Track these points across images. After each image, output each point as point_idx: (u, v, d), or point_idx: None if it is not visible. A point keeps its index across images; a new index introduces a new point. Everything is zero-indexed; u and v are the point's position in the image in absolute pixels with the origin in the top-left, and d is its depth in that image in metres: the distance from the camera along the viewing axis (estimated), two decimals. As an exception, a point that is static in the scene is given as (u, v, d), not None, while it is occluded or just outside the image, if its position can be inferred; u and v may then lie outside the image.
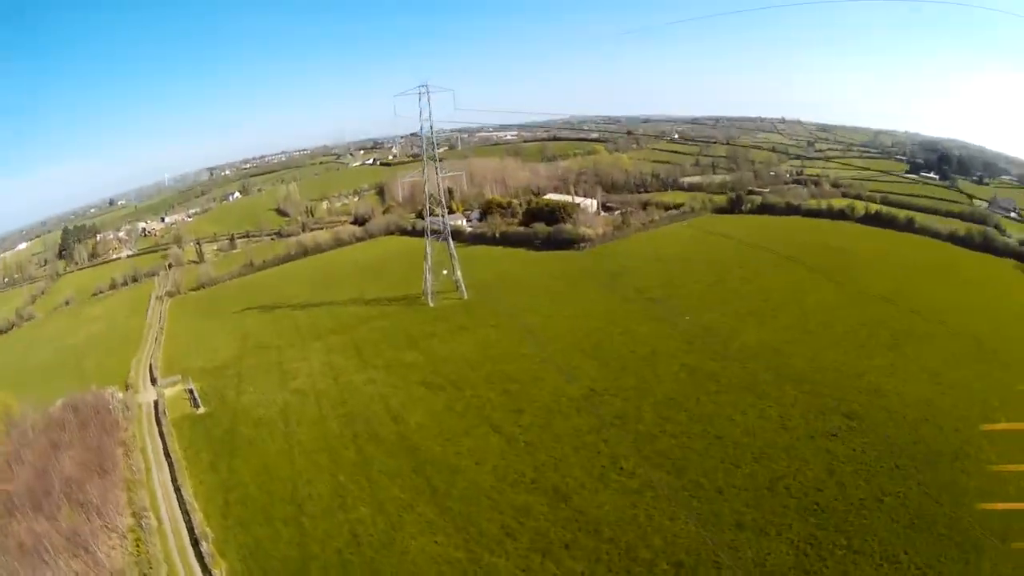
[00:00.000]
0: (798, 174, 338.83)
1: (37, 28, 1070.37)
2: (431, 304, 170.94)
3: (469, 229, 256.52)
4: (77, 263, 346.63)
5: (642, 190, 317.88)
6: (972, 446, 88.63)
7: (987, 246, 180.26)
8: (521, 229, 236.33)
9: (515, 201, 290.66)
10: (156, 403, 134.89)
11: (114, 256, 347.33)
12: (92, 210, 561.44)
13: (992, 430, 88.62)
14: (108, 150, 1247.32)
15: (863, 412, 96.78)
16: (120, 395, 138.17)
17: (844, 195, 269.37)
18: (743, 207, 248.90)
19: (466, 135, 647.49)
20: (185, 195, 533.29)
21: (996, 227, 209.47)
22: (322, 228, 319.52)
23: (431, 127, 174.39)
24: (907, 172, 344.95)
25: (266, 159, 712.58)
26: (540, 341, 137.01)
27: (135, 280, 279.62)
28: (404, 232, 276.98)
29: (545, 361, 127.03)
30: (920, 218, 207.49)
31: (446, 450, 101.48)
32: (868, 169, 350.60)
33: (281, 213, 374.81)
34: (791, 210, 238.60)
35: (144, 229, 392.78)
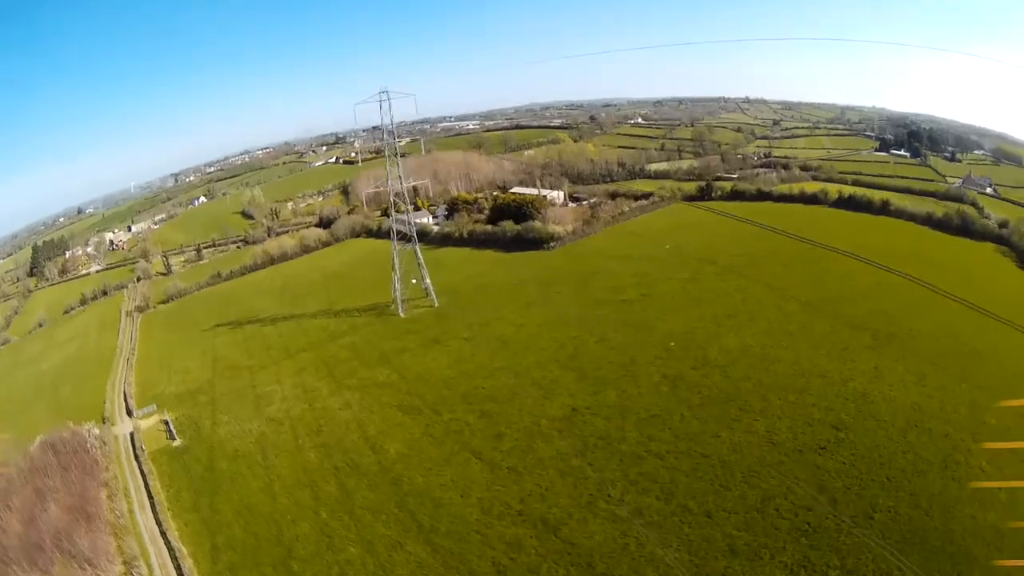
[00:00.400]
0: (766, 156, 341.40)
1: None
2: (401, 314, 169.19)
3: (436, 228, 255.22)
4: (48, 279, 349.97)
5: (608, 179, 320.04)
6: (961, 452, 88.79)
7: (965, 228, 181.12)
8: (489, 228, 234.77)
9: (481, 197, 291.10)
10: (132, 436, 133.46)
11: (83, 271, 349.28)
12: (61, 219, 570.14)
13: (993, 448, 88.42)
14: (75, 158, 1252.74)
15: (851, 422, 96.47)
16: (96, 431, 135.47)
17: (815, 179, 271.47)
18: (713, 195, 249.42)
19: (428, 125, 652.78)
20: (151, 201, 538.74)
21: (973, 205, 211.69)
22: (288, 231, 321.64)
23: (394, 136, 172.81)
24: (876, 149, 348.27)
25: (229, 160, 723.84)
26: (515, 353, 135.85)
27: (105, 294, 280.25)
28: (370, 233, 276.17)
29: (521, 375, 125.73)
30: (895, 200, 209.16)
31: (428, 481, 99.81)
32: (837, 148, 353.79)
33: (246, 216, 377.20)
34: (762, 196, 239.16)
35: (112, 242, 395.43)
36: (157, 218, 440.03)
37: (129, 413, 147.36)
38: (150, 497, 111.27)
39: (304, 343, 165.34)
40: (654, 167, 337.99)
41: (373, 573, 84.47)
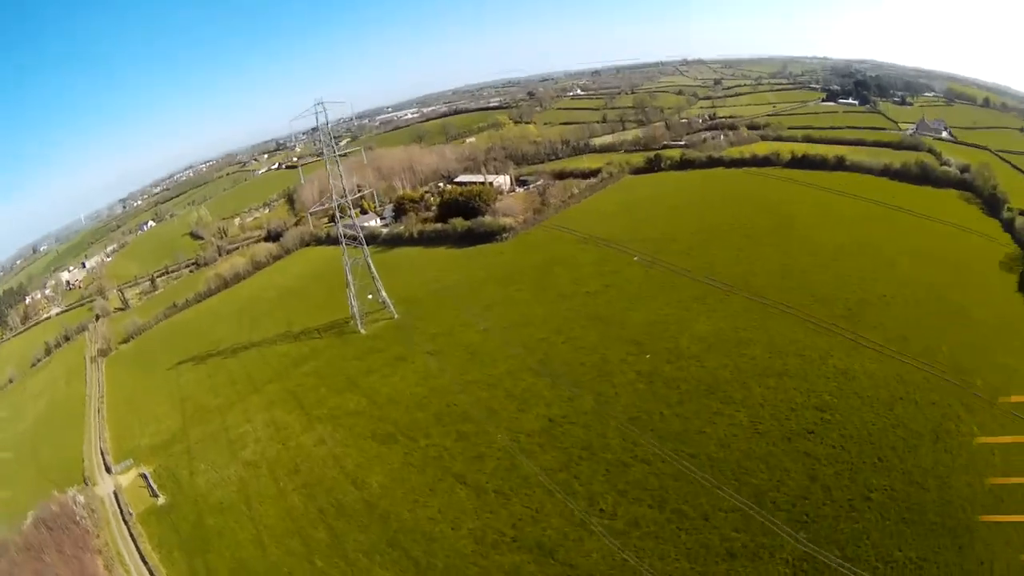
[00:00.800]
0: (711, 118, 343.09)
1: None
2: (362, 330, 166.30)
3: (384, 231, 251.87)
4: (12, 329, 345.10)
5: (554, 157, 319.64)
6: (951, 420, 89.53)
7: (925, 177, 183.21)
8: (439, 226, 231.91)
9: (427, 192, 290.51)
10: (116, 496, 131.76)
11: (44, 316, 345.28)
12: (19, 262, 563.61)
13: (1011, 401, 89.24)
14: (20, 195, 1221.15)
15: (835, 402, 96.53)
16: (82, 498, 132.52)
17: (763, 138, 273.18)
18: (662, 165, 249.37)
19: (367, 120, 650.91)
20: (102, 231, 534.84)
21: (931, 151, 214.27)
22: (238, 248, 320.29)
23: (334, 150, 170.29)
24: (823, 100, 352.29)
25: (175, 177, 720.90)
26: (483, 363, 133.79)
27: (67, 339, 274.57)
28: (320, 241, 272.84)
29: (493, 387, 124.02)
30: (850, 155, 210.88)
31: (416, 514, 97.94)
32: (783, 103, 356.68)
33: (196, 237, 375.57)
34: (713, 163, 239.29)
35: (68, 282, 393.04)
36: (109, 249, 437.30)
37: (108, 470, 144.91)
38: (144, 562, 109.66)
39: (268, 373, 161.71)
40: (598, 141, 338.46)
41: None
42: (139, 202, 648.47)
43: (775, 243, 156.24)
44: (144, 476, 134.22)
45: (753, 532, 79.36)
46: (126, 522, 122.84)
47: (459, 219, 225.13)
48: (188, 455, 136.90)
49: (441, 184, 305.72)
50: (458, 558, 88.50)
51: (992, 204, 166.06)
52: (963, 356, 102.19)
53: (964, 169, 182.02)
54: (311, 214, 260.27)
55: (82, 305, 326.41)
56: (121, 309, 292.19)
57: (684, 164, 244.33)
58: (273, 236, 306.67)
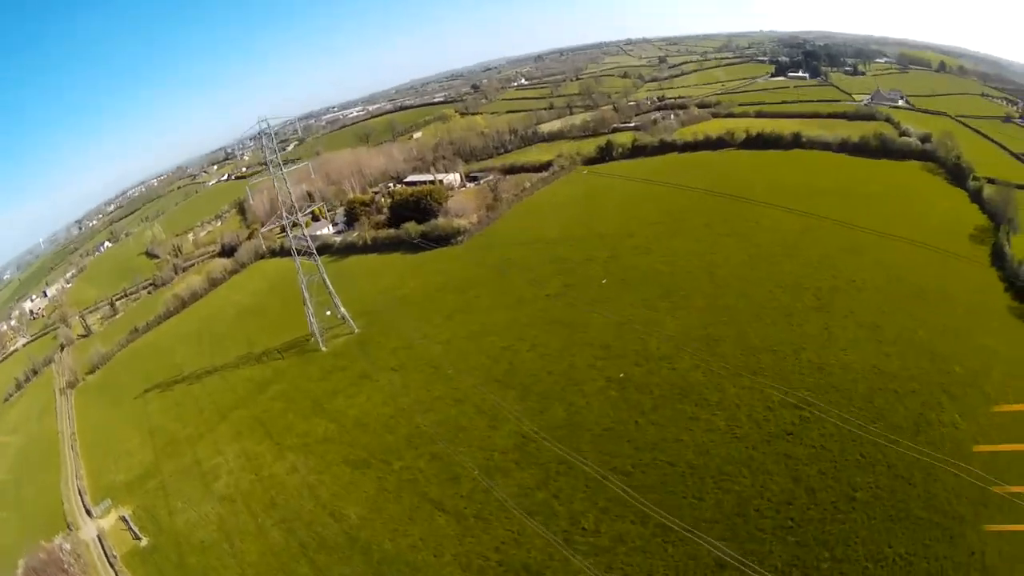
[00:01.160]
0: (660, 99, 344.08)
1: None
2: (323, 348, 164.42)
3: (338, 239, 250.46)
4: None
5: (503, 150, 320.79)
6: (932, 410, 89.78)
7: (885, 150, 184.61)
8: (392, 231, 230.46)
9: (377, 193, 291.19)
10: (100, 540, 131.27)
11: (12, 348, 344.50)
12: None
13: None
14: None
15: (813, 398, 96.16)
16: (68, 545, 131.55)
17: (715, 116, 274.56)
18: (614, 153, 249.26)
19: (313, 120, 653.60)
20: (61, 255, 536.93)
21: (888, 121, 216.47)
22: (193, 265, 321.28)
23: (281, 168, 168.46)
24: (773, 74, 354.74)
25: (128, 194, 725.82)
26: (449, 378, 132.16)
27: (36, 372, 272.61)
28: (273, 253, 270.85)
29: (461, 402, 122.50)
30: (805, 130, 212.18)
31: (398, 544, 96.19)
32: (731, 79, 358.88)
33: (151, 256, 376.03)
34: (665, 147, 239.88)
35: (31, 311, 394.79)
36: (69, 275, 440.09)
37: (89, 512, 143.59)
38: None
39: (233, 399, 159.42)
40: (546, 128, 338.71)
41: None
42: (95, 222, 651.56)
43: (736, 231, 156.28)
44: (124, 519, 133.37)
45: (740, 540, 78.83)
46: (112, 565, 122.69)
47: (412, 223, 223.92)
48: (164, 492, 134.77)
49: (391, 185, 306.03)
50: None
51: (957, 174, 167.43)
52: (940, 340, 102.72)
53: (925, 139, 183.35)
54: (263, 233, 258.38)
55: (47, 333, 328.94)
56: (84, 336, 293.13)
57: (636, 151, 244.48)
58: (227, 251, 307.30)
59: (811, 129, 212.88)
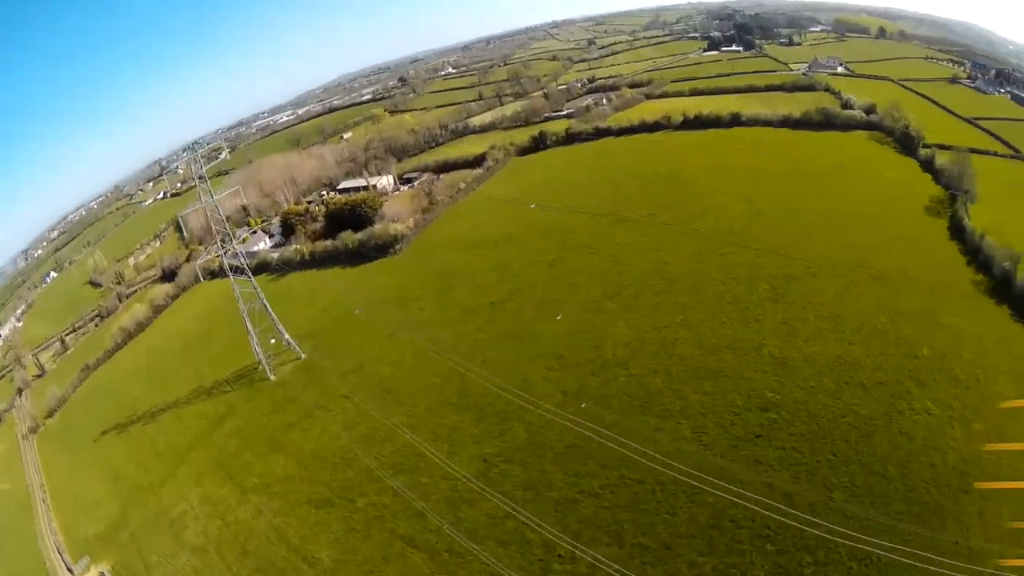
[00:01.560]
0: (590, 82, 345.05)
1: None
2: (272, 377, 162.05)
3: (275, 254, 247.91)
4: None
5: (434, 144, 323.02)
6: (902, 399, 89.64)
7: (829, 123, 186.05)
8: (329, 244, 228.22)
9: (310, 202, 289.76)
10: None
11: None
12: None
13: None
14: None
15: (778, 398, 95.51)
16: None
17: (648, 97, 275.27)
18: (548, 143, 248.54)
19: (243, 128, 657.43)
20: (9, 289, 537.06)
21: (828, 91, 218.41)
22: (136, 291, 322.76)
23: (212, 196, 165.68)
24: (705, 50, 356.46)
25: (68, 220, 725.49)
26: (401, 403, 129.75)
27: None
28: (213, 274, 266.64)
29: (417, 429, 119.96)
30: (745, 109, 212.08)
31: None
32: (662, 56, 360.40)
33: (95, 285, 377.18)
34: (601, 133, 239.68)
35: None
36: (18, 312, 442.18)
37: (70, 570, 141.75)
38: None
39: (189, 438, 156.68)
40: (477, 120, 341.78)
41: None
42: (39, 251, 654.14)
43: (680, 220, 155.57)
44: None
45: (720, 554, 78.09)
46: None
47: (349, 232, 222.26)
48: (135, 545, 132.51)
49: (324, 193, 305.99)
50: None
51: (906, 143, 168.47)
52: (903, 324, 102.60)
53: (869, 110, 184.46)
54: (199, 266, 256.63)
55: (3, 376, 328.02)
56: (39, 375, 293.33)
57: (571, 138, 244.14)
58: (168, 275, 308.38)
59: (751, 105, 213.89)
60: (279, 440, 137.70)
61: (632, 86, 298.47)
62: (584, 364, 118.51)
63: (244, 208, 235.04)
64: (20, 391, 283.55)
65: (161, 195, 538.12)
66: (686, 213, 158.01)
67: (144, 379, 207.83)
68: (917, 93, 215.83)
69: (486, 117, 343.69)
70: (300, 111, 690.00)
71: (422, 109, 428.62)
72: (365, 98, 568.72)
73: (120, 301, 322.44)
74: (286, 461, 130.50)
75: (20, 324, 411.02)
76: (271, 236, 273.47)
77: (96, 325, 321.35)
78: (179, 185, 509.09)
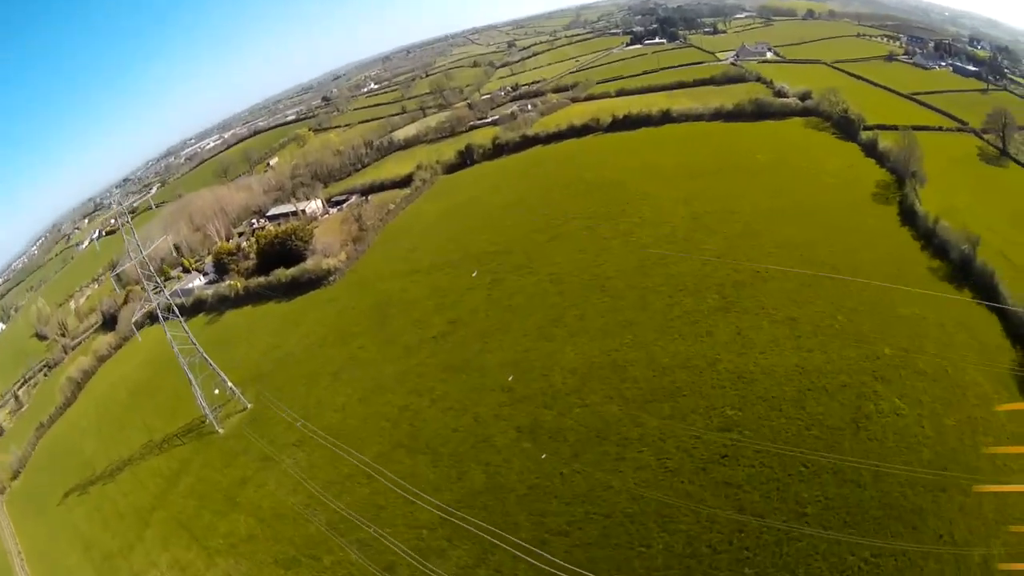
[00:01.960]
0: (514, 88, 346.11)
1: None
2: (220, 430, 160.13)
3: (210, 291, 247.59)
4: None
5: (360, 165, 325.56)
6: (868, 401, 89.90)
7: (763, 112, 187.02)
8: (263, 280, 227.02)
9: (241, 234, 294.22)
10: None
11: None
12: None
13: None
14: None
15: (740, 416, 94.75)
16: None
17: (574, 100, 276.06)
18: (475, 157, 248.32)
19: (172, 158, 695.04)
20: None
21: (760, 80, 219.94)
22: (80, 342, 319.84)
23: (142, 252, 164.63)
24: (628, 44, 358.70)
25: (12, 268, 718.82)
26: (352, 448, 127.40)
27: None
28: (153, 318, 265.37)
29: (372, 478, 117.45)
30: (674, 104, 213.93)
31: None
32: (585, 55, 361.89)
33: (41, 337, 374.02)
34: (529, 142, 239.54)
35: None
36: None
37: None
38: None
39: (149, 499, 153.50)
40: (402, 135, 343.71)
41: None
42: None
43: (619, 230, 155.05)
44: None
45: (698, 583, 76.79)
46: None
47: (282, 270, 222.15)
48: None
49: (255, 222, 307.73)
50: None
51: (845, 127, 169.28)
52: (861, 321, 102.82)
53: (805, 97, 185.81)
54: (135, 321, 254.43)
55: None
56: None
57: (498, 150, 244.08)
58: (109, 321, 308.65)
59: (681, 101, 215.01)
60: (236, 499, 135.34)
61: (557, 91, 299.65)
62: (535, 396, 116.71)
63: (176, 248, 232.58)
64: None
65: (96, 233, 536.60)
66: (625, 222, 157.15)
67: (96, 433, 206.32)
68: (852, 75, 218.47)
69: (410, 130, 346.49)
70: (227, 135, 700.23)
71: (346, 126, 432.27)
72: (290, 118, 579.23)
73: (66, 353, 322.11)
74: (247, 519, 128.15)
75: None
76: (204, 275, 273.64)
77: (45, 375, 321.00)
78: (112, 222, 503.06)
